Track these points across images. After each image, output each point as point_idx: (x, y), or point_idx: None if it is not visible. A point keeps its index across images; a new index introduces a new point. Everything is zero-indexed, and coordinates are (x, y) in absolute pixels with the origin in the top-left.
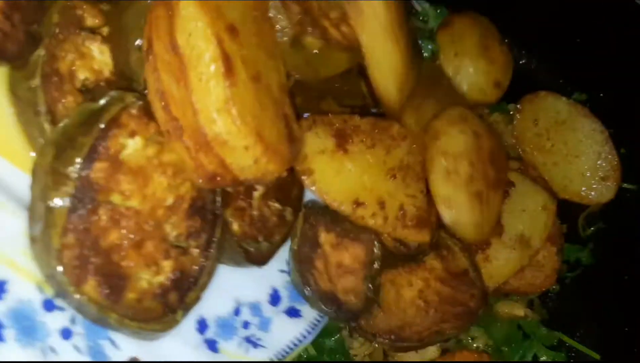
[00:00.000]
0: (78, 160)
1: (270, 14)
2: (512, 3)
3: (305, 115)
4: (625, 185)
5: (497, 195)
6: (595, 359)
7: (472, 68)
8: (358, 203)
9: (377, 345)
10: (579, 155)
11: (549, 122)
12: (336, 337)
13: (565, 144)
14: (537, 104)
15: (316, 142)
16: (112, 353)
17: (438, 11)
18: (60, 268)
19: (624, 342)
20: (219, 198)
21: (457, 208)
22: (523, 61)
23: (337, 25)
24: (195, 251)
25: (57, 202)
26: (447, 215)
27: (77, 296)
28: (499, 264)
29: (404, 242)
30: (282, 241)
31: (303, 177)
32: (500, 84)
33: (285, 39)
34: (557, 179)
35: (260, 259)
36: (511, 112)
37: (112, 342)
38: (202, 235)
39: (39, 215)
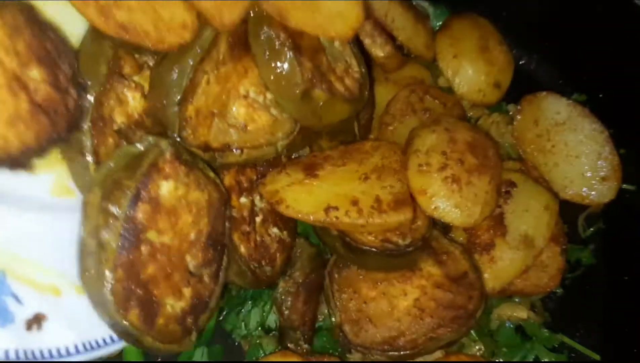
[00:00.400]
0: (124, 201)
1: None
2: (512, 3)
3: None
4: (625, 186)
5: (482, 178)
6: (595, 360)
7: (471, 70)
8: (329, 208)
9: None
10: (579, 156)
11: (549, 123)
12: None
13: (566, 145)
14: (537, 105)
15: (285, 179)
16: (15, 309)
17: (438, 11)
18: (111, 299)
19: (625, 342)
20: (227, 231)
21: (432, 194)
22: (523, 61)
23: (342, 78)
24: (207, 278)
25: (108, 238)
26: (426, 204)
27: (125, 323)
28: (504, 265)
29: (389, 240)
30: (284, 265)
31: (276, 207)
32: (500, 84)
33: (297, 92)
34: (558, 179)
35: (266, 281)
36: (511, 113)
37: (16, 298)
38: (213, 264)
39: (91, 250)
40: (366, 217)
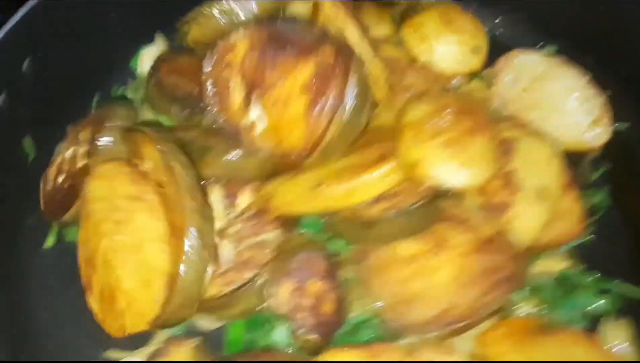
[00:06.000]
0: None
1: None
2: None
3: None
4: (618, 124)
5: (481, 136)
6: None
7: (441, 46)
8: (317, 186)
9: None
10: (565, 104)
11: (528, 78)
12: None
13: (550, 96)
14: (511, 64)
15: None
16: None
17: None
18: None
19: None
20: None
21: (432, 162)
22: (488, 28)
23: None
24: None
25: None
26: (429, 174)
27: None
28: (525, 221)
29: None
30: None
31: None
32: (478, 48)
33: None
34: (551, 131)
35: None
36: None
37: None
38: None
39: None
40: (349, 180)
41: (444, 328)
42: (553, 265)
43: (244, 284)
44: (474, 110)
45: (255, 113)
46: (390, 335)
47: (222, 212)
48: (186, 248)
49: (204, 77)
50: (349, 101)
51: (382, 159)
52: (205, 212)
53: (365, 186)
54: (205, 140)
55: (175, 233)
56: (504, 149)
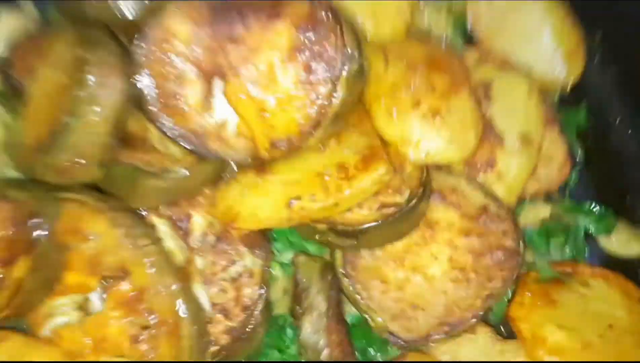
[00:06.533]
0: None
1: None
2: None
3: None
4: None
5: (461, 96)
6: None
7: None
8: (292, 201)
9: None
10: (539, 36)
11: (499, 10)
12: None
13: (524, 26)
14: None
15: (236, 188)
16: None
17: None
18: None
19: None
20: None
21: (418, 139)
22: None
23: None
24: None
25: None
26: (415, 153)
27: None
28: (514, 173)
29: (386, 204)
30: None
31: (234, 226)
32: None
33: None
34: (523, 65)
35: None
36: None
37: None
38: None
39: None
40: (335, 193)
41: (451, 332)
42: (540, 212)
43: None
44: (447, 57)
45: (221, 107)
46: (380, 341)
47: (177, 246)
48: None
49: (138, 81)
50: (352, 53)
51: (370, 158)
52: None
53: (351, 197)
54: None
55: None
56: (482, 93)
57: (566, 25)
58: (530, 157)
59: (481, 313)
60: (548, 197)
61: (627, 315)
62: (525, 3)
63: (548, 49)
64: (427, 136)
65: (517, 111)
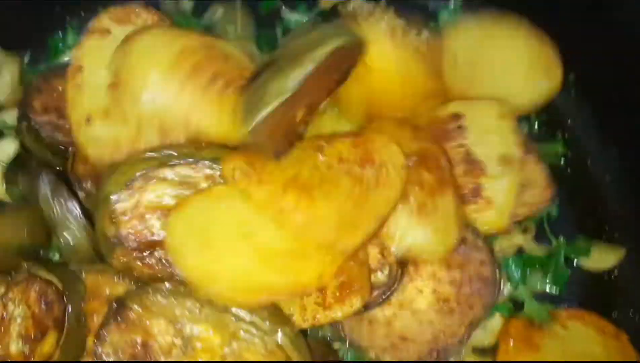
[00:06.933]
0: None
1: None
2: None
3: None
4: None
5: (446, 194)
6: None
7: None
8: None
9: None
10: (511, 62)
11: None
12: None
13: (493, 59)
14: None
15: None
16: None
17: None
18: None
19: None
20: None
21: (402, 232)
22: None
23: None
24: None
25: None
26: (398, 249)
27: None
28: (502, 197)
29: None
30: None
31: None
32: None
33: None
34: (498, 94)
35: None
36: None
37: None
38: None
39: None
40: (310, 318)
41: (438, 358)
42: (513, 239)
43: None
44: (434, 152)
45: None
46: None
47: None
48: None
49: None
50: None
51: (348, 286)
52: None
53: (324, 321)
54: None
55: None
56: (455, 126)
57: (536, 46)
58: (514, 176)
59: (467, 338)
60: (524, 228)
61: (603, 350)
62: (491, 37)
63: (521, 73)
64: (409, 229)
65: (491, 134)
